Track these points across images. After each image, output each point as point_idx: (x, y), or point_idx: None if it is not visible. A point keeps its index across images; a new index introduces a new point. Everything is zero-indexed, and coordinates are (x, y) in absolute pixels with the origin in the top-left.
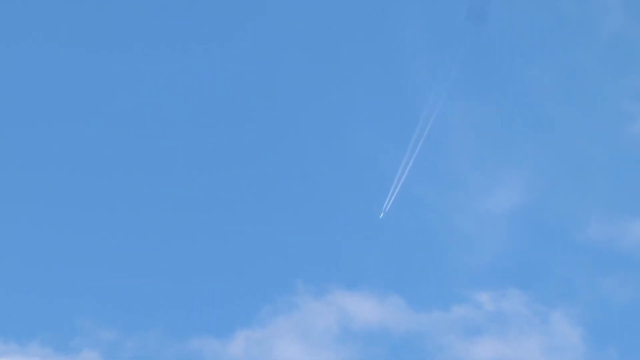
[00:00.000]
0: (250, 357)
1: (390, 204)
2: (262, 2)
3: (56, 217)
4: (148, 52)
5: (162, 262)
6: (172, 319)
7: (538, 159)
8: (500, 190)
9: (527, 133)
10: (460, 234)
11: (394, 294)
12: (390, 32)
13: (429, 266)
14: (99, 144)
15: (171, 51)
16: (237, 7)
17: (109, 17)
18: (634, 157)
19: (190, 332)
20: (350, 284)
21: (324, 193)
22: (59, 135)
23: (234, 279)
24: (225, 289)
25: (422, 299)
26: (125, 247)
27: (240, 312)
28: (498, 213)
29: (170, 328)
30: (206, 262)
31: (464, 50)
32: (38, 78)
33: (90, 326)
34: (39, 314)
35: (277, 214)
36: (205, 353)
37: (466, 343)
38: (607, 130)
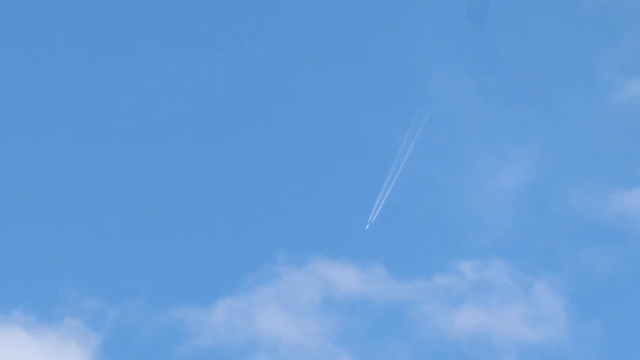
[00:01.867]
0: (233, 326)
1: (377, 212)
2: None
3: (39, 186)
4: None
5: (144, 231)
6: (154, 287)
7: (533, 136)
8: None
9: (518, 109)
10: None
11: (375, 263)
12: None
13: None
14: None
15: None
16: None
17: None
18: (616, 128)
19: (172, 301)
20: (331, 254)
21: (322, 168)
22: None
23: (216, 247)
24: (208, 257)
25: (404, 269)
26: (107, 216)
27: (223, 281)
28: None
29: (152, 297)
30: (188, 230)
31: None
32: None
33: (73, 295)
34: (21, 282)
35: (267, 185)
36: (188, 322)
37: (449, 312)
38: (589, 101)
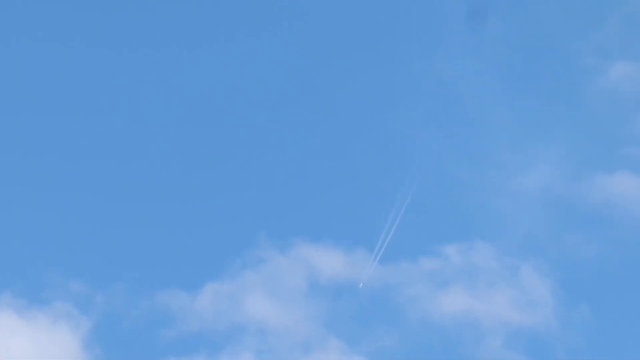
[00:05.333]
0: (219, 310)
1: (371, 270)
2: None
3: (26, 173)
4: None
5: (131, 215)
6: (140, 272)
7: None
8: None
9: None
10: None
11: (359, 247)
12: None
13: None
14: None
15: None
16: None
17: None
18: (599, 113)
19: (158, 285)
20: (312, 237)
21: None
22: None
23: (200, 232)
24: (192, 242)
25: (389, 252)
26: (93, 201)
27: (209, 266)
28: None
29: (139, 281)
30: (175, 214)
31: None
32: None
33: (59, 279)
34: (7, 266)
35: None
36: (174, 306)
37: (435, 295)
38: (572, 86)
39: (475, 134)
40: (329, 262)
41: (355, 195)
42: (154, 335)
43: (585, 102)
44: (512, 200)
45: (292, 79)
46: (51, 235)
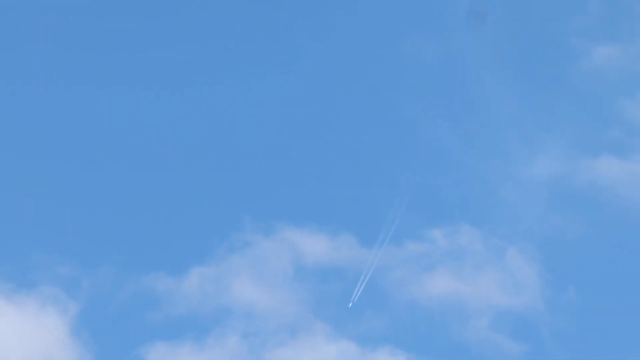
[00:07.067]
0: (205, 294)
1: (359, 293)
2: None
3: (13, 154)
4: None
5: (117, 199)
6: (126, 255)
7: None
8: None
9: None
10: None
11: (344, 231)
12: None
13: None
14: None
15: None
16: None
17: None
18: (584, 94)
19: (144, 269)
20: (299, 222)
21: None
22: None
23: (189, 216)
24: (181, 225)
25: (373, 237)
26: (81, 184)
27: (195, 250)
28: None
29: (125, 265)
30: (160, 199)
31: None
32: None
33: (46, 262)
34: None
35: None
36: (160, 289)
37: (421, 278)
38: (557, 67)
39: (467, 117)
40: (314, 246)
41: (340, 179)
42: (141, 319)
43: (568, 83)
44: (498, 184)
45: (286, 68)
46: (38, 219)
